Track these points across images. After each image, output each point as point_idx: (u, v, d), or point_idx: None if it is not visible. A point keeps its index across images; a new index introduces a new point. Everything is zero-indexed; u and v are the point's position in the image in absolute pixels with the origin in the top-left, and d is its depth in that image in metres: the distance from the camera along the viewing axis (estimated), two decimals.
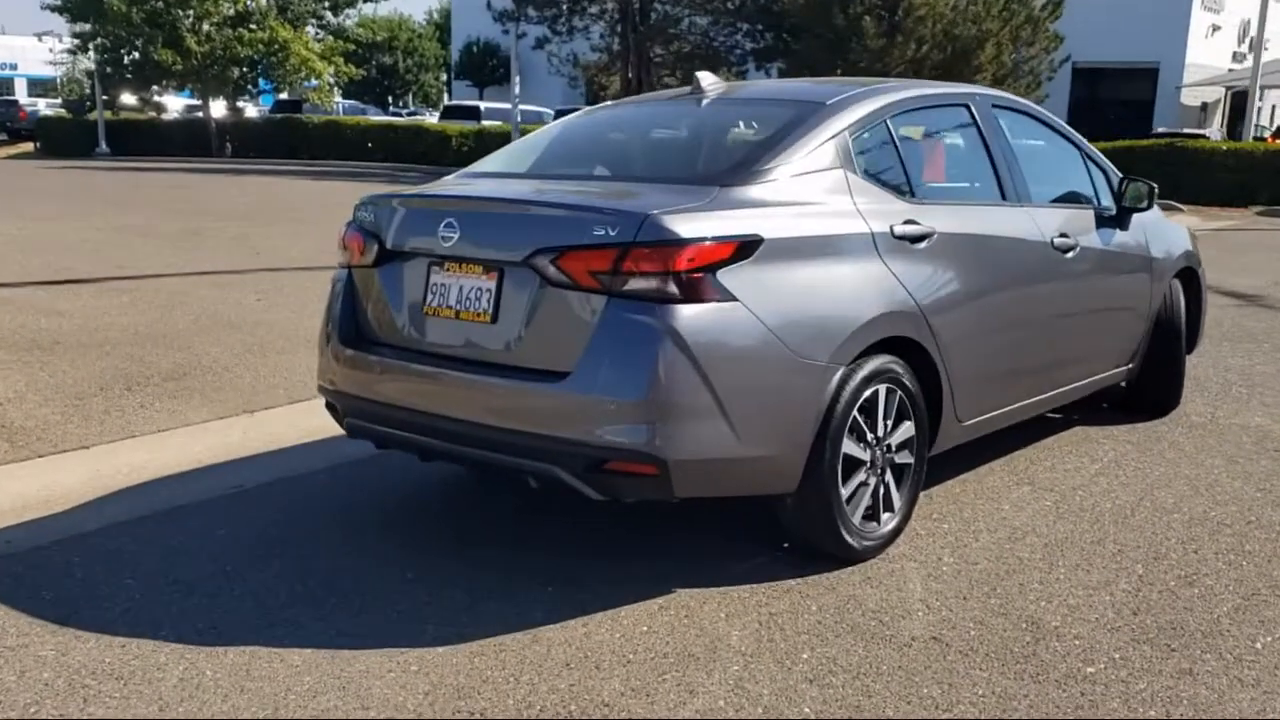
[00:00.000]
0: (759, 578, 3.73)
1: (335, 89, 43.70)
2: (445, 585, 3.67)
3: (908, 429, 3.95)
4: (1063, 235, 4.79)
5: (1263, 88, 36.94)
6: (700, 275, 3.32)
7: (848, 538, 3.75)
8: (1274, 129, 39.39)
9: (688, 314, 3.29)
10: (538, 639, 3.30)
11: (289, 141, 36.60)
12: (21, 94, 58.39)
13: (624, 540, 4.07)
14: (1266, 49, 25.60)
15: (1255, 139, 27.93)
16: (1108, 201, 5.34)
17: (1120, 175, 5.42)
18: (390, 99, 68.00)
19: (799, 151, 3.79)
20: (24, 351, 6.92)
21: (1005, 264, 4.47)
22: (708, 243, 3.34)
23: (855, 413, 3.69)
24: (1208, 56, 41.72)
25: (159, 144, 37.54)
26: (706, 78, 4.47)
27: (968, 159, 4.68)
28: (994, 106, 4.78)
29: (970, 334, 4.20)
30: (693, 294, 3.30)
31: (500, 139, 32.06)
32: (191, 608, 3.50)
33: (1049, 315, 4.75)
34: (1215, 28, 41.60)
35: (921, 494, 4.21)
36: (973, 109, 4.64)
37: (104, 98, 38.49)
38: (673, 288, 3.29)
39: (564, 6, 31.97)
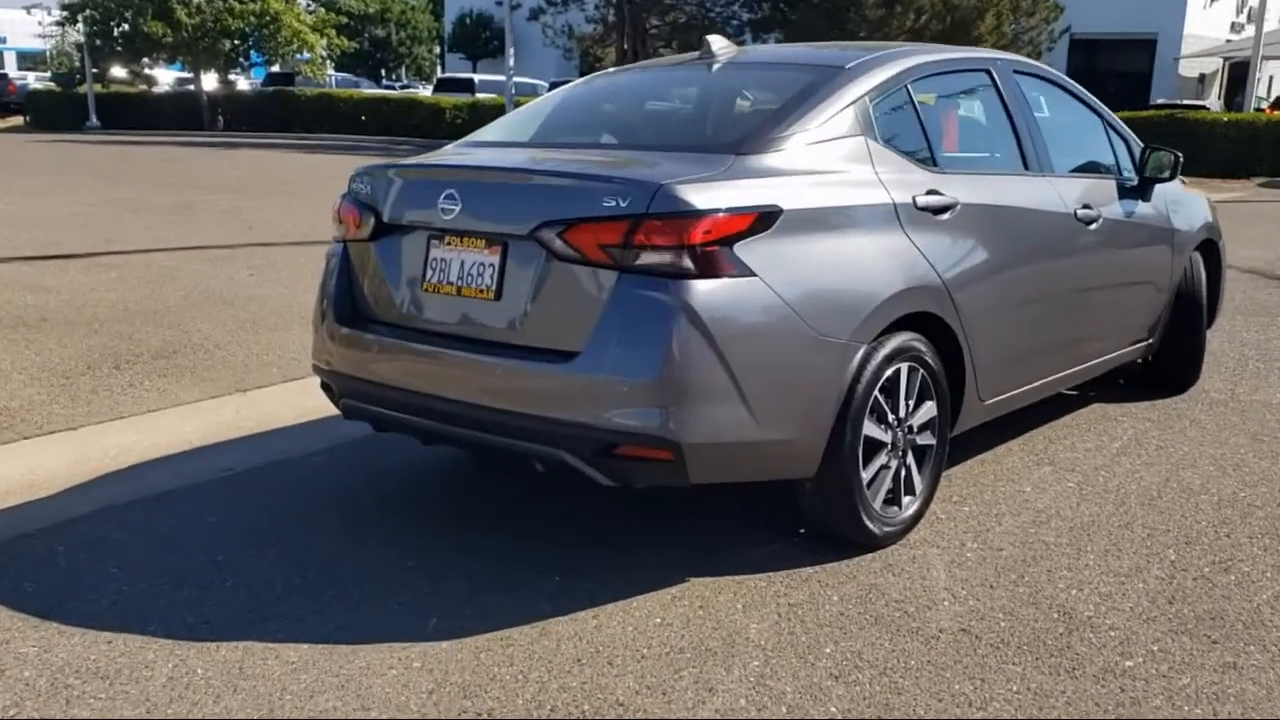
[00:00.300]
0: (776, 565, 3.56)
1: (328, 62, 43.19)
2: (447, 574, 3.51)
3: (929, 409, 3.78)
4: (1085, 206, 4.61)
5: (1261, 59, 36.71)
6: (716, 249, 3.13)
7: (869, 523, 3.58)
8: (1271, 100, 39.13)
9: (703, 290, 3.11)
10: (546, 632, 3.13)
11: (281, 115, 36.24)
12: (11, 68, 57.78)
13: (632, 525, 3.90)
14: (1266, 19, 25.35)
15: (1254, 110, 27.70)
16: (1129, 171, 5.16)
17: (1142, 144, 5.23)
18: (383, 72, 67.43)
19: (818, 118, 3.59)
20: (9, 329, 6.72)
21: (1028, 236, 4.29)
22: (724, 214, 3.15)
23: (876, 393, 3.52)
24: (1206, 27, 41.40)
25: (150, 117, 37.15)
26: (717, 41, 4.27)
27: (989, 126, 4.48)
28: (1015, 72, 4.59)
29: (993, 309, 4.02)
30: (708, 268, 3.12)
31: (495, 112, 31.74)
32: (182, 600, 3.33)
33: (1071, 289, 4.57)
34: None
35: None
36: (994, 74, 4.45)
37: (94, 71, 38.09)
38: (687, 262, 3.10)
39: None
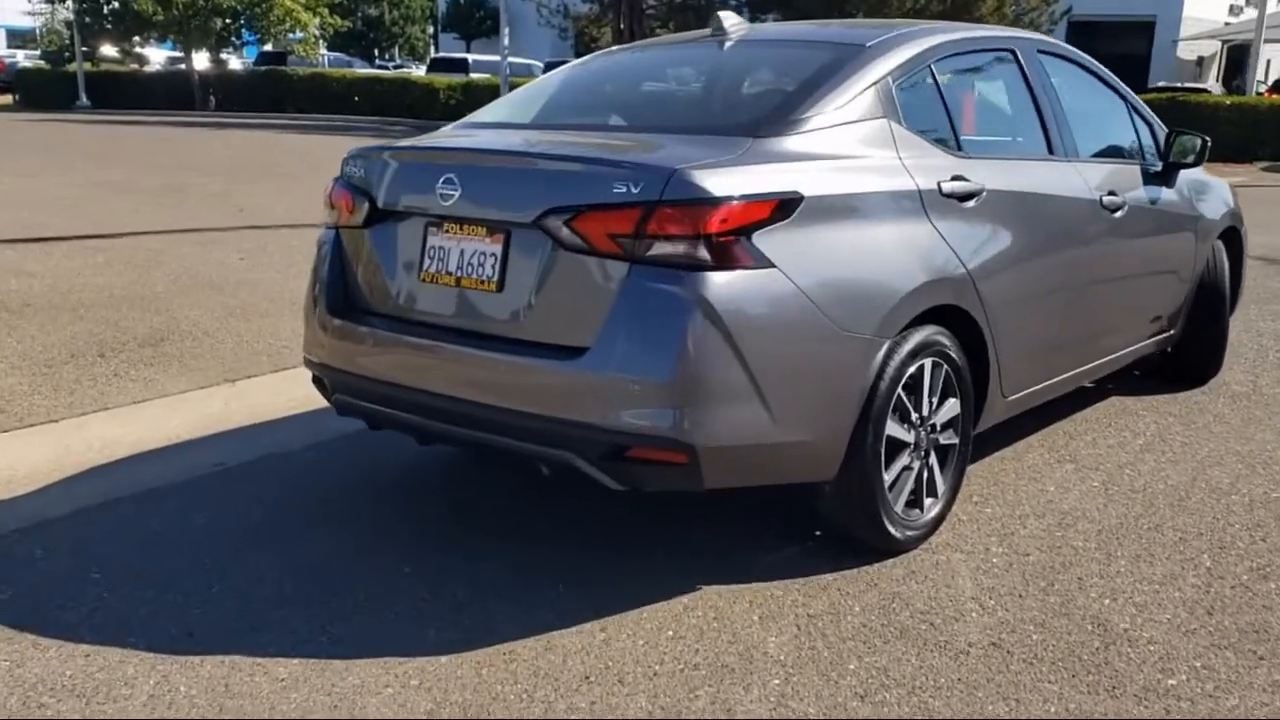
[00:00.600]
0: (792, 572, 3.38)
1: (320, 41, 42.78)
2: (446, 580, 3.32)
3: (952, 407, 3.60)
4: (1111, 193, 4.42)
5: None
6: (734, 238, 2.94)
7: (890, 528, 3.40)
8: (1270, 84, 38.94)
9: (720, 282, 2.91)
10: (551, 646, 2.95)
11: (273, 94, 35.86)
12: (0, 45, 57.24)
13: (639, 528, 3.72)
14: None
15: (1255, 94, 27.50)
16: (1153, 156, 4.97)
17: (1166, 129, 5.04)
18: (376, 52, 66.90)
19: (838, 99, 3.39)
20: None
21: (1054, 224, 4.10)
22: (742, 201, 2.96)
23: (899, 390, 3.33)
24: (1204, 10, 41.17)
25: (140, 97, 36.72)
26: (729, 18, 4.06)
27: (1013, 109, 4.29)
28: (1039, 52, 4.39)
29: (1019, 301, 3.84)
30: (725, 259, 2.92)
31: (489, 92, 31.43)
32: (166, 608, 3.14)
33: (1096, 279, 4.39)
34: None
35: None
36: (1018, 54, 4.25)
37: (83, 49, 37.62)
38: (703, 252, 2.90)
39: None
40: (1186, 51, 40.42)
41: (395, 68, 50.63)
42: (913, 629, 3.06)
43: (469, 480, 4.19)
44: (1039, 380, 4.15)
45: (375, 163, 3.56)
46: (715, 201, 2.91)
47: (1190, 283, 5.19)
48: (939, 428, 3.56)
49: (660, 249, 2.91)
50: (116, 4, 36.68)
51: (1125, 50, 38.96)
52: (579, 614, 3.11)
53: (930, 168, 3.52)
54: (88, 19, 37.31)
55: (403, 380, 3.39)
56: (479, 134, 3.89)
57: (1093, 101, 4.75)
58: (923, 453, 3.51)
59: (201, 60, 38.33)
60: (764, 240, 2.98)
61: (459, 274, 3.28)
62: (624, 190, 2.93)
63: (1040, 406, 4.48)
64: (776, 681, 2.78)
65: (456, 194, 3.23)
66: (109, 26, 37.66)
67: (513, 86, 29.75)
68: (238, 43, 41.24)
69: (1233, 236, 5.60)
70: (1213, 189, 5.42)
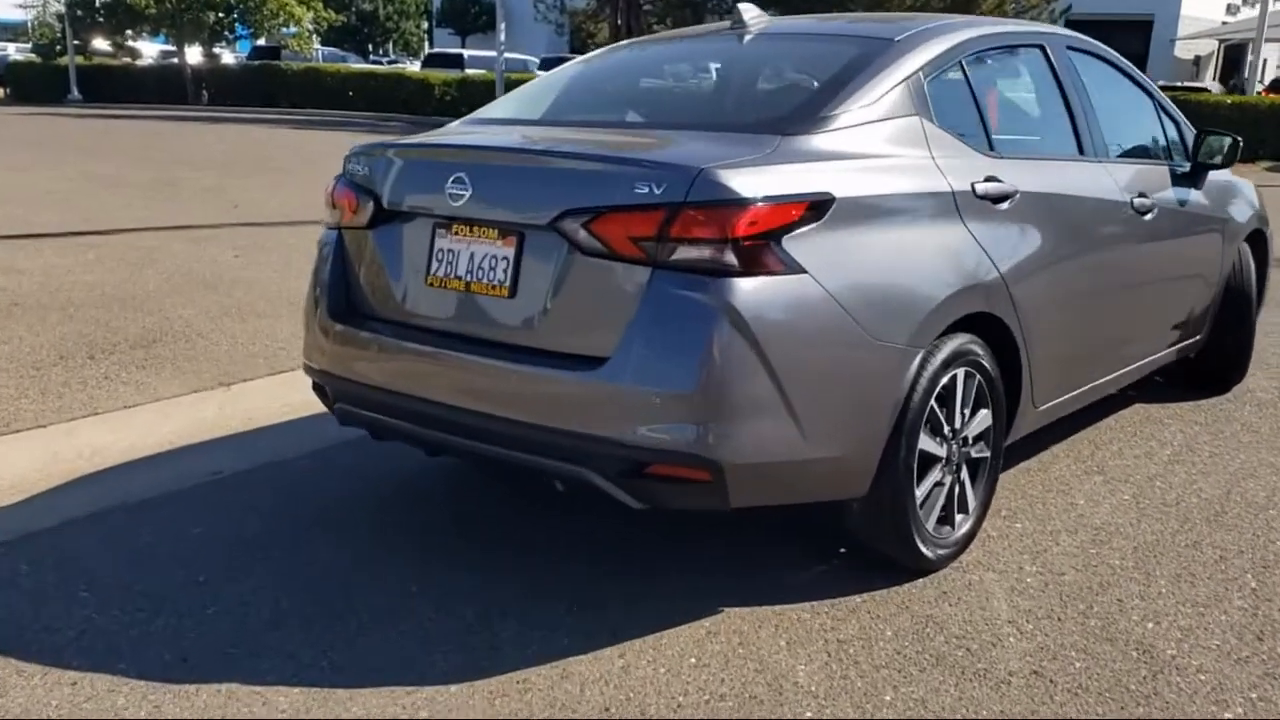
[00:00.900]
0: (818, 593, 3.22)
1: (314, 35, 42.50)
2: (453, 599, 3.15)
3: (984, 418, 3.44)
4: (1141, 195, 4.26)
5: (1251, 42, 36.41)
6: (763, 242, 2.76)
7: (922, 546, 3.23)
8: (1268, 83, 38.87)
9: (748, 289, 2.74)
10: (567, 674, 2.78)
11: (267, 89, 35.60)
12: None
13: (655, 546, 3.55)
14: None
15: (1240, 92, 27.38)
16: (1181, 156, 4.82)
17: (1194, 129, 4.89)
18: (370, 47, 66.65)
19: (868, 95, 3.22)
20: None
21: (1087, 228, 3.94)
22: (772, 203, 2.78)
23: (932, 402, 3.16)
24: (1201, 9, 41.09)
25: (133, 91, 36.46)
26: (749, 10, 3.88)
27: (1044, 107, 4.12)
28: (1068, 48, 4.23)
29: (1051, 308, 3.68)
30: (754, 265, 2.75)
31: (485, 88, 31.25)
32: (158, 631, 2.97)
33: (1126, 284, 4.23)
34: None
35: None
36: (1048, 50, 4.08)
37: (75, 42, 37.36)
38: (730, 257, 2.73)
39: None
40: (1184, 51, 40.32)
41: (389, 63, 50.37)
42: (949, 656, 2.89)
43: (474, 491, 4.02)
44: (1069, 389, 3.99)
45: (380, 160, 3.38)
46: (744, 203, 2.74)
47: (1217, 287, 5.03)
48: (970, 440, 3.40)
49: (685, 253, 2.74)
50: None
51: (1123, 49, 38.01)
52: (595, 638, 2.94)
53: (963, 168, 3.36)
54: (79, 12, 37.02)
55: (408, 389, 3.22)
56: (489, 131, 3.70)
57: (1121, 99, 4.59)
58: (954, 467, 3.35)
59: (194, 54, 38.07)
60: (794, 244, 2.81)
61: (469, 278, 3.11)
62: (646, 191, 2.76)
63: (1064, 415, 4.32)
64: (809, 714, 2.62)
65: (467, 194, 3.05)
66: (101, 20, 37.39)
67: (509, 83, 29.59)
68: (231, 37, 40.99)
69: (1258, 239, 5.45)
70: (1239, 190, 5.26)
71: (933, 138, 3.32)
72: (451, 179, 3.07)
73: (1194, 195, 4.73)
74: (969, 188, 3.33)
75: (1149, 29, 39.29)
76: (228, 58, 40.56)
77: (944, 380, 3.19)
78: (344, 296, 3.47)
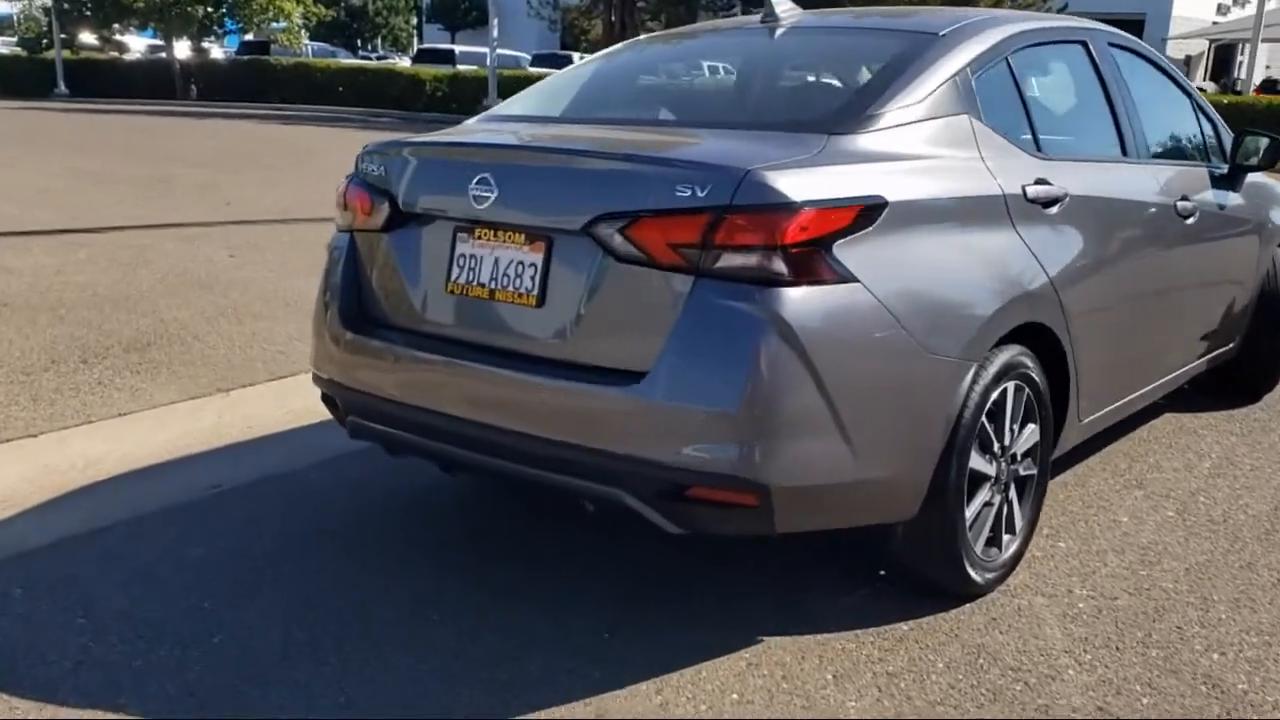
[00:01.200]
0: (861, 620, 3.04)
1: (304, 30, 42.17)
2: (475, 626, 2.97)
3: (1032, 434, 3.26)
4: (1184, 198, 4.10)
5: (1243, 42, 36.52)
6: (814, 249, 2.58)
7: (971, 571, 3.06)
8: (1258, 84, 38.87)
9: (797, 299, 2.56)
10: (603, 712, 2.60)
11: (256, 84, 35.26)
12: None
13: (684, 566, 3.36)
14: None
15: (1235, 92, 27.29)
16: (1218, 157, 4.65)
17: (1231, 130, 4.72)
18: (359, 42, 66.26)
19: (916, 92, 3.04)
20: None
21: (1133, 232, 3.78)
22: (823, 207, 2.60)
23: (982, 418, 2.98)
24: (1192, 9, 41.11)
25: (120, 85, 36.06)
26: (781, 3, 3.69)
27: (1088, 106, 3.94)
28: (1110, 44, 4.05)
29: (1099, 316, 3.51)
30: (804, 273, 2.57)
31: (476, 84, 31.02)
32: (160, 662, 2.77)
33: (1169, 290, 4.07)
34: None
35: None
36: (1090, 46, 3.91)
37: (62, 36, 36.95)
38: (779, 265, 2.55)
39: None
40: (1175, 50, 40.27)
41: (379, 59, 50.07)
42: (1007, 690, 2.71)
43: (491, 506, 3.83)
44: (1112, 401, 3.82)
45: (396, 159, 3.19)
46: (793, 207, 2.55)
47: (1253, 292, 4.87)
48: (1019, 457, 3.22)
49: (730, 261, 2.56)
50: None
51: None
52: (629, 671, 2.76)
53: (1013, 170, 3.18)
54: (66, 5, 36.59)
55: (426, 402, 3.03)
56: (512, 129, 3.50)
57: (1161, 98, 4.42)
58: (1003, 486, 3.17)
59: (183, 49, 37.69)
60: (845, 251, 2.63)
61: (492, 285, 2.92)
62: (689, 194, 2.57)
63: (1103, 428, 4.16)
64: None
65: (492, 196, 2.86)
66: (88, 13, 36.97)
67: (501, 79, 29.36)
68: (220, 31, 40.61)
69: None
70: (1275, 192, 5.09)
71: (982, 137, 3.14)
72: (475, 180, 2.88)
73: (1232, 198, 4.57)
74: (1020, 191, 3.15)
75: (1141, 28, 39.21)
76: (216, 52, 40.18)
77: (994, 395, 3.01)
78: (356, 303, 3.28)
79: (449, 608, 3.06)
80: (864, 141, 2.87)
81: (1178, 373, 4.40)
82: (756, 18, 3.79)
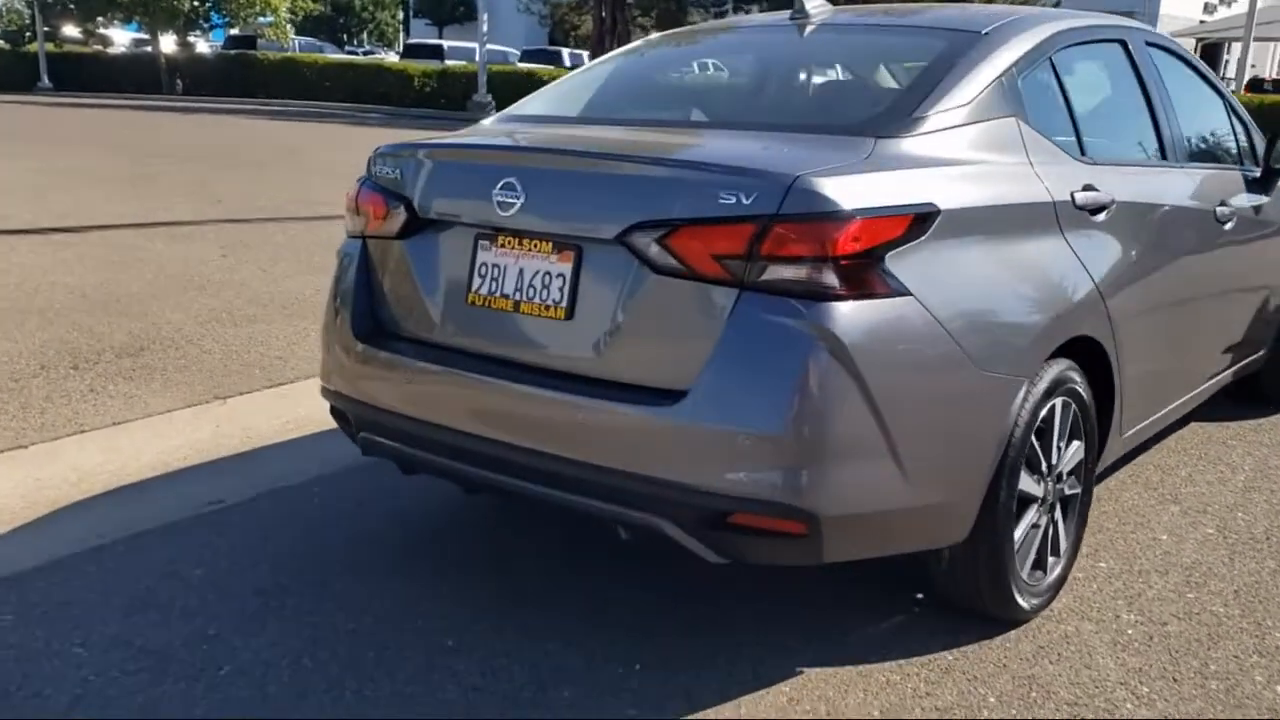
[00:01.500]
0: (902, 649, 2.89)
1: (290, 25, 41.82)
2: (497, 657, 2.80)
3: (1077, 451, 3.12)
4: (1222, 203, 3.96)
5: (1230, 40, 36.58)
6: (866, 260, 2.42)
7: (1018, 597, 2.91)
8: (1245, 82, 38.88)
9: (849, 314, 2.40)
10: None
11: (243, 79, 34.95)
12: None
13: (712, 589, 3.20)
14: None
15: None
16: (1250, 160, 4.52)
17: (1265, 134, 4.59)
18: (345, 37, 65.88)
19: (963, 94, 2.88)
20: None
21: (1177, 239, 3.64)
22: (876, 216, 2.44)
23: (1031, 437, 2.84)
24: (1180, 8, 41.18)
25: (105, 80, 35.72)
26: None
27: (1129, 108, 3.80)
28: (1147, 44, 3.91)
29: (1143, 328, 3.37)
30: (856, 286, 2.41)
31: (465, 80, 30.79)
32: (166, 697, 2.61)
33: (1207, 297, 3.94)
34: None
35: None
36: (1129, 46, 3.77)
37: (45, 29, 36.55)
38: (830, 278, 2.39)
39: None
40: None
41: (365, 53, 49.77)
42: None
43: (510, 525, 3.66)
44: (1150, 413, 3.69)
45: (412, 161, 3.02)
46: (845, 216, 2.40)
47: None
48: (1064, 476, 3.08)
49: (777, 273, 2.40)
50: None
51: None
52: (667, 705, 2.60)
53: (1061, 175, 3.03)
54: None
55: (445, 420, 2.86)
56: (535, 130, 3.32)
57: (1197, 99, 4.27)
58: (1049, 506, 3.02)
59: (168, 43, 37.34)
60: (897, 263, 2.47)
61: (517, 297, 2.75)
62: (733, 201, 2.41)
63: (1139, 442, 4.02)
64: None
65: (518, 202, 2.70)
66: (71, 6, 36.62)
67: (490, 75, 29.15)
68: (206, 25, 40.26)
69: None
70: None
71: (1030, 141, 2.99)
72: (500, 184, 2.72)
73: (1266, 202, 4.43)
74: (1069, 198, 3.01)
75: None
76: (202, 47, 39.81)
77: (1043, 412, 2.87)
78: (369, 313, 3.11)
79: (468, 637, 2.90)
80: (912, 145, 2.72)
81: (1211, 382, 4.27)
82: (785, 15, 3.63)
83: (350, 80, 33.79)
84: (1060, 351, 2.92)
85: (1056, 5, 26.09)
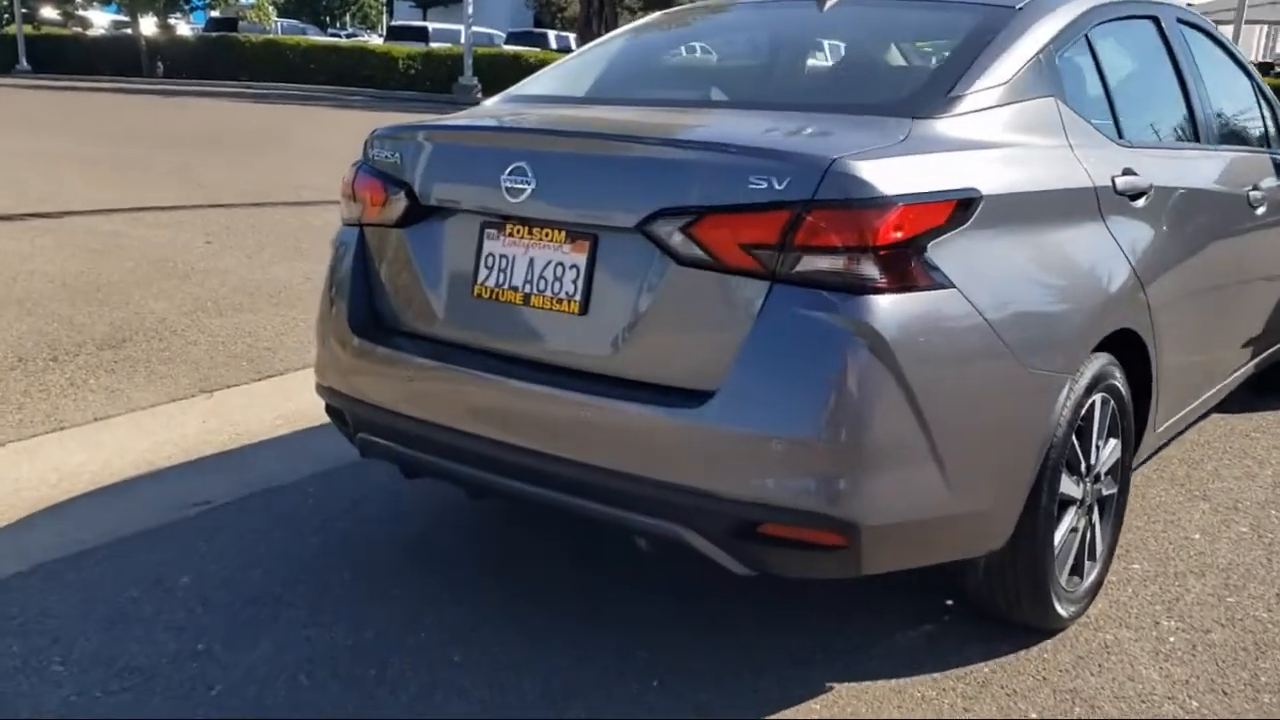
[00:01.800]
0: (935, 661, 2.73)
1: (272, 7, 41.38)
2: (508, 671, 2.63)
3: (1114, 450, 2.96)
4: (1255, 187, 3.80)
5: (1219, 23, 36.45)
6: (907, 250, 2.25)
7: (1057, 605, 2.76)
8: None
9: (889, 308, 2.22)
10: None
11: (226, 62, 34.57)
12: None
13: (729, 596, 3.03)
14: None
15: None
16: (1277, 143, 4.36)
17: None
18: (328, 19, 65.34)
19: (1000, 72, 2.71)
20: None
21: (1212, 225, 3.48)
22: (918, 202, 2.27)
23: (1072, 437, 2.68)
24: None
25: (85, 62, 35.32)
26: None
27: (1163, 89, 3.63)
28: (1179, 21, 3.74)
29: (1180, 318, 3.22)
30: (897, 278, 2.24)
31: (450, 62, 30.50)
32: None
33: (1239, 285, 3.80)
34: None
35: None
36: (1162, 24, 3.60)
37: (23, 10, 36.07)
38: (870, 269, 2.22)
39: None
40: None
41: (348, 36, 49.34)
42: None
43: (514, 529, 3.49)
44: (1183, 407, 3.54)
45: (412, 145, 2.83)
46: (886, 202, 2.22)
47: None
48: (1101, 476, 2.92)
49: (813, 264, 2.22)
50: None
51: None
52: None
53: (1101, 159, 2.87)
54: None
55: (449, 420, 2.68)
56: (543, 111, 3.13)
57: (1227, 80, 4.11)
58: (1087, 509, 2.86)
59: (149, 25, 36.89)
60: (939, 252, 2.30)
61: (527, 289, 2.57)
62: (764, 187, 2.23)
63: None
64: None
65: (529, 188, 2.51)
66: None
67: (476, 57, 28.85)
68: (186, 7, 39.81)
69: None
70: None
71: (1069, 123, 2.82)
72: (509, 169, 2.53)
73: None
74: (1109, 183, 2.84)
75: None
76: (183, 29, 39.34)
77: (1083, 410, 2.70)
78: (367, 306, 2.92)
79: (474, 650, 2.73)
80: (949, 126, 2.54)
81: (1242, 371, 4.13)
82: None
83: (334, 63, 33.47)
84: (1100, 345, 2.76)
85: None
